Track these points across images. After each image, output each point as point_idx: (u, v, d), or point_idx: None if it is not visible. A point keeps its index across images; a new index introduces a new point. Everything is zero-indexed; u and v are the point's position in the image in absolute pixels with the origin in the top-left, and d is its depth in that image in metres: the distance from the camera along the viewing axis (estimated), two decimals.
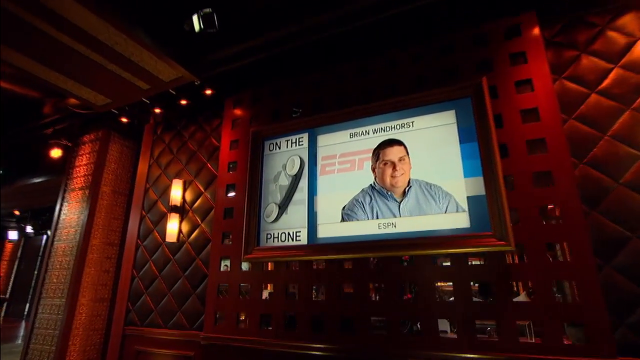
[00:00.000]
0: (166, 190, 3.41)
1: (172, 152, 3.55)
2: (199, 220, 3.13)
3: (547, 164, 1.98)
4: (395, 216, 2.31)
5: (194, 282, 2.96)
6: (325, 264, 2.47)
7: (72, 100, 3.28)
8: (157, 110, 3.53)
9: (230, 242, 2.80)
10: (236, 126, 3.14)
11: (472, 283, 2.08)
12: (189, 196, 3.27)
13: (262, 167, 2.85)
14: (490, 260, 2.01)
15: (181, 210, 3.25)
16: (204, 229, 3.07)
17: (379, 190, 2.40)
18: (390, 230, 2.30)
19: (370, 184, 2.45)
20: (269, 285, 2.85)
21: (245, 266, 2.75)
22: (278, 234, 2.64)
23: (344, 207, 2.48)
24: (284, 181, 2.73)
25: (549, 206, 2.01)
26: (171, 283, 3.07)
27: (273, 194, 2.75)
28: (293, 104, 2.92)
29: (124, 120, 3.62)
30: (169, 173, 3.48)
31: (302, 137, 2.79)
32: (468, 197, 2.15)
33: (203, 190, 3.22)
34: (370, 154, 2.52)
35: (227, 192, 2.94)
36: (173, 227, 3.16)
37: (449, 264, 2.14)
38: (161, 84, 2.97)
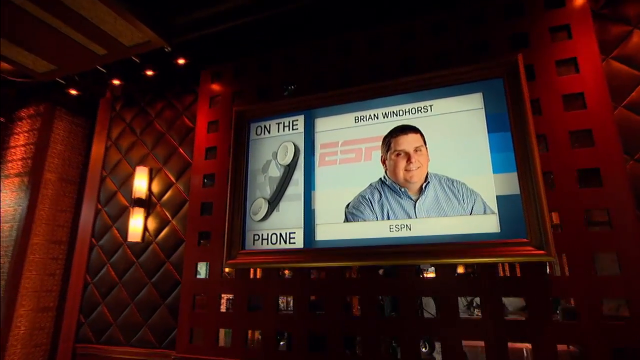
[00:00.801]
0: (128, 179, 3.03)
1: (135, 133, 3.16)
2: (169, 217, 2.79)
3: (594, 159, 1.81)
4: (410, 217, 2.09)
5: (164, 291, 2.64)
6: (325, 272, 2.22)
7: (4, 65, 2.80)
8: (116, 82, 3.11)
9: (209, 244, 2.49)
10: (215, 104, 2.79)
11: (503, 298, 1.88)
12: (156, 187, 2.92)
13: (248, 155, 2.55)
14: (525, 272, 1.81)
15: (147, 204, 2.89)
16: (176, 227, 2.74)
17: (391, 185, 2.16)
18: (404, 233, 2.08)
19: (380, 179, 2.22)
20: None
21: (228, 272, 2.45)
22: (268, 235, 2.36)
23: (347, 205, 2.23)
24: (275, 172, 2.44)
25: (594, 210, 1.82)
26: (135, 291, 2.74)
27: (261, 187, 2.45)
28: (286, 80, 2.62)
29: (73, 92, 3.18)
30: (131, 158, 3.09)
31: (297, 120, 2.49)
32: (498, 197, 1.95)
33: (174, 181, 2.87)
34: (380, 143, 2.27)
35: (204, 184, 2.62)
36: (137, 223, 2.81)
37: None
38: (121, 49, 2.57)
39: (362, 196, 2.23)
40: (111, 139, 3.25)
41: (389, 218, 2.14)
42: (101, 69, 2.84)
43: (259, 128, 2.60)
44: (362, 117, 2.36)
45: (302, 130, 2.47)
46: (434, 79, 2.22)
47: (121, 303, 2.77)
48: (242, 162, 2.53)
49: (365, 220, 2.19)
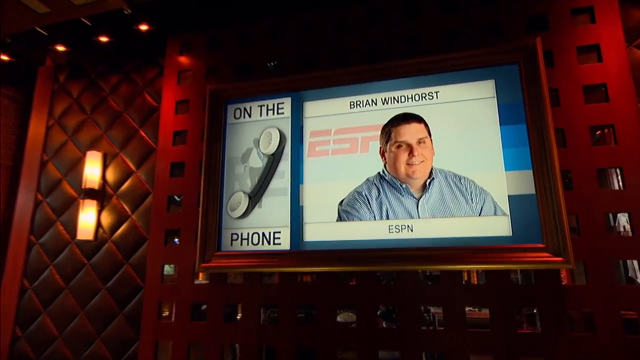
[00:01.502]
0: (76, 165, 2.73)
1: (84, 111, 2.84)
2: (129, 211, 2.54)
3: (616, 158, 1.78)
4: (411, 217, 1.99)
5: (122, 297, 2.41)
6: (315, 277, 2.08)
7: None
8: (60, 48, 2.78)
9: (178, 243, 2.28)
10: (184, 80, 2.55)
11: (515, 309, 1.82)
12: (112, 175, 2.65)
13: (225, 141, 2.34)
14: (538, 281, 1.75)
15: (101, 196, 2.62)
16: (137, 223, 2.50)
17: (390, 181, 2.04)
18: (405, 235, 1.98)
19: (379, 173, 2.10)
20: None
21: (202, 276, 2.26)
22: (248, 234, 2.18)
23: (341, 202, 2.10)
24: (257, 162, 2.25)
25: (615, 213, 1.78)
26: (86, 298, 2.49)
27: (241, 179, 2.26)
28: (270, 56, 2.40)
29: (4, 58, 2.79)
30: (79, 141, 2.78)
31: (283, 103, 2.31)
32: (510, 197, 1.89)
33: (134, 169, 2.61)
34: (379, 132, 2.14)
35: (172, 173, 2.38)
36: (88, 218, 2.54)
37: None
38: (69, 8, 2.27)
39: (357, 192, 2.10)
40: (54, 116, 2.91)
41: (388, 218, 2.03)
42: (41, 30, 2.50)
43: (238, 110, 2.38)
44: (358, 103, 2.21)
45: (289, 114, 2.29)
46: (441, 62, 2.11)
47: (68, 312, 2.51)
48: (217, 149, 2.31)
49: (361, 220, 2.06)
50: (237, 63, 2.46)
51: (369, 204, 2.07)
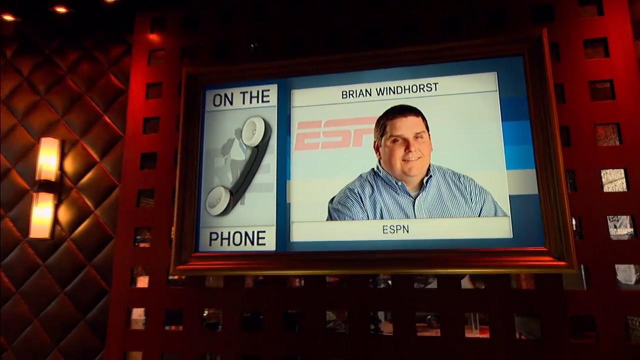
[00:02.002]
0: (28, 153, 2.54)
1: (37, 91, 2.64)
2: (91, 206, 2.38)
3: (620, 159, 1.79)
4: (407, 217, 1.95)
5: (84, 302, 2.27)
6: (303, 281, 2.01)
7: None
8: (8, 18, 2.54)
9: (149, 243, 2.15)
10: (157, 61, 2.40)
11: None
12: (71, 166, 2.47)
13: (203, 131, 2.22)
14: (539, 285, 1.76)
15: (58, 188, 2.44)
16: (101, 220, 2.35)
17: (385, 178, 1.99)
18: (401, 236, 1.94)
19: (373, 169, 2.04)
20: None
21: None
22: (229, 233, 2.09)
23: (332, 200, 2.03)
24: (239, 155, 2.14)
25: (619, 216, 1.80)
26: (40, 304, 2.33)
27: (221, 172, 2.15)
28: (254, 38, 2.29)
29: None
30: (31, 125, 2.58)
31: (269, 90, 2.21)
32: (511, 197, 1.88)
33: (97, 159, 2.44)
34: (373, 125, 2.07)
35: (142, 165, 2.24)
36: (43, 214, 2.36)
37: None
38: None
39: (350, 189, 2.03)
40: None
41: (382, 217, 1.98)
42: None
43: (218, 97, 2.26)
44: (351, 92, 2.13)
45: (275, 103, 2.19)
46: (440, 52, 2.06)
47: (19, 319, 2.33)
48: (195, 139, 2.19)
49: (353, 219, 2.00)
50: (217, 44, 2.33)
51: (362, 202, 2.02)
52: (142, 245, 2.24)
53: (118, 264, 2.18)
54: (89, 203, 2.41)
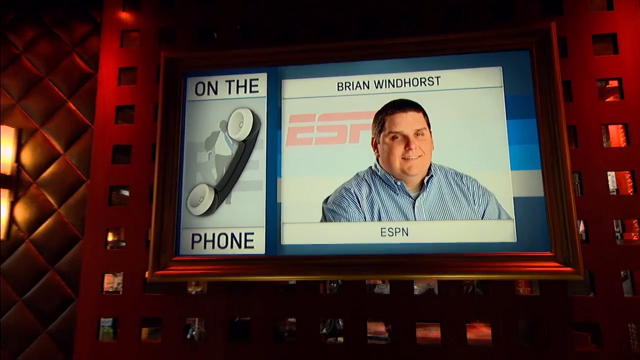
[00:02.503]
0: None
1: None
2: (54, 204, 2.23)
3: (628, 161, 1.80)
4: (407, 219, 1.91)
5: (45, 312, 2.14)
6: (294, 287, 1.95)
7: None
8: None
9: (124, 245, 2.03)
10: (130, 43, 2.26)
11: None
12: (30, 158, 2.31)
13: (184, 122, 2.11)
14: (544, 292, 1.77)
15: (14, 183, 2.28)
16: (65, 219, 2.20)
17: (384, 177, 1.94)
18: (400, 239, 1.91)
19: (370, 167, 1.99)
20: None
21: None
22: (214, 235, 2.00)
23: (326, 200, 1.97)
24: (225, 149, 2.05)
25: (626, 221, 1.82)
26: None
27: (204, 168, 2.05)
28: (241, 21, 2.19)
29: None
30: None
31: (257, 80, 2.12)
32: (515, 199, 1.87)
33: (61, 151, 2.29)
34: (371, 121, 2.01)
35: (115, 159, 2.11)
36: None
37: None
38: None
39: (345, 189, 1.98)
40: None
41: (380, 219, 1.94)
42: None
43: (201, 85, 2.15)
44: (348, 84, 2.07)
45: (265, 94, 2.11)
46: (443, 43, 2.03)
47: None
48: (175, 131, 2.08)
49: (349, 221, 1.96)
50: (200, 27, 2.21)
51: (359, 202, 1.97)
52: (112, 247, 2.10)
53: (87, 268, 2.05)
54: (51, 200, 2.25)
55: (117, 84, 2.20)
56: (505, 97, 1.96)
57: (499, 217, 1.88)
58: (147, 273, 1.93)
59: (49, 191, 2.27)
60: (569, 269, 1.74)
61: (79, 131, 2.30)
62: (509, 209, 1.88)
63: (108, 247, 2.06)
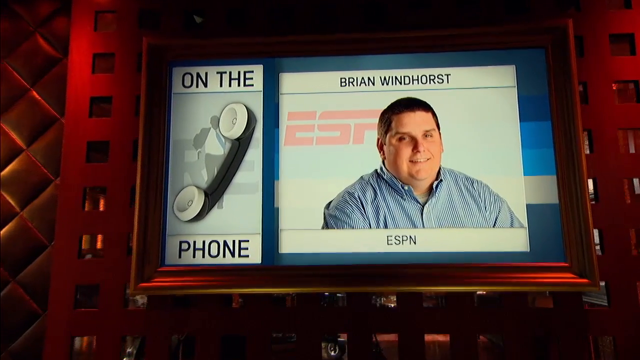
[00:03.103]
0: None
1: None
2: (15, 206, 2.09)
3: None
4: (415, 226, 1.89)
5: (6, 329, 2.00)
6: (294, 299, 1.89)
7: None
8: None
9: (102, 254, 1.92)
10: (106, 26, 2.15)
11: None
12: None
13: (170, 117, 2.00)
14: (558, 304, 1.78)
15: None
16: (29, 224, 2.06)
17: (390, 181, 1.91)
18: (407, 247, 1.88)
19: (376, 170, 1.96)
20: None
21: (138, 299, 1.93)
22: (204, 243, 1.92)
23: (328, 205, 1.93)
24: (216, 148, 1.96)
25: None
26: None
27: (193, 169, 1.95)
28: (234, 6, 2.08)
29: None
30: None
31: (252, 72, 2.04)
32: (528, 206, 1.88)
33: (23, 146, 2.14)
34: (377, 120, 1.98)
35: (89, 157, 1.98)
36: None
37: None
38: None
39: (349, 193, 1.93)
40: None
41: (386, 226, 1.90)
42: None
43: (189, 76, 2.04)
44: (351, 80, 2.02)
45: (260, 87, 2.02)
46: (454, 38, 2.01)
47: None
48: (160, 127, 1.97)
49: (353, 228, 1.91)
50: (187, 10, 2.09)
51: (363, 208, 1.92)
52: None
53: (57, 280, 1.92)
54: (11, 202, 2.09)
55: (91, 72, 2.06)
56: (518, 97, 1.94)
57: (511, 225, 1.87)
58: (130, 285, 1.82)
59: (9, 191, 2.11)
60: (585, 280, 1.75)
61: (45, 124, 2.14)
62: (522, 216, 1.87)
63: (87, 256, 1.92)
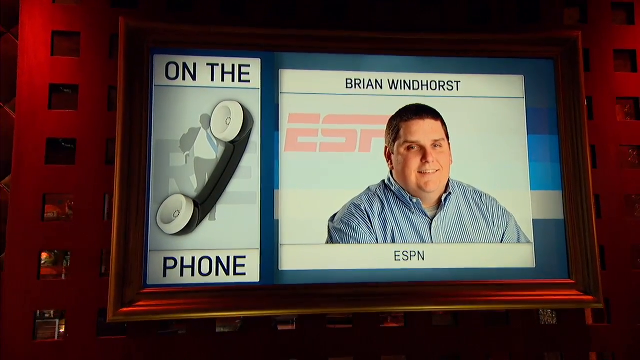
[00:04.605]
0: None
1: None
2: None
3: None
4: (423, 241, 1.97)
5: None
6: (295, 322, 1.91)
7: None
8: None
9: (65, 274, 1.79)
10: None
11: None
12: None
13: (152, 113, 1.89)
14: (562, 321, 1.95)
15: None
16: None
17: (398, 193, 1.98)
18: (415, 264, 1.97)
19: (383, 181, 2.01)
20: None
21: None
22: (194, 259, 1.87)
23: (332, 218, 1.96)
24: (207, 151, 1.91)
25: None
26: None
27: (180, 175, 1.89)
28: None
29: None
30: None
31: (249, 66, 2.00)
32: (534, 221, 2.03)
33: None
34: (384, 127, 2.03)
35: (49, 157, 1.84)
36: None
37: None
38: None
39: (355, 205, 1.97)
40: None
41: (394, 241, 1.97)
42: None
43: (173, 67, 1.95)
44: (357, 82, 2.05)
45: (258, 84, 1.99)
46: (466, 44, 2.10)
47: None
48: (141, 124, 1.87)
49: (359, 243, 1.95)
50: None
51: (370, 221, 1.97)
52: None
53: (9, 305, 1.76)
54: None
55: (49, 54, 1.89)
56: (526, 109, 2.08)
57: (518, 241, 2.02)
58: (108, 310, 1.72)
59: None
60: (590, 297, 1.94)
61: None
62: (528, 232, 2.02)
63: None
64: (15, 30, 1.95)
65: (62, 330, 1.97)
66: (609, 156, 2.07)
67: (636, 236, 2.04)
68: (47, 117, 1.86)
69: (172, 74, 1.93)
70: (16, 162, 1.82)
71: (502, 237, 2.01)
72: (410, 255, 1.96)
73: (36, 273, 1.79)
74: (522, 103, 2.09)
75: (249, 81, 1.96)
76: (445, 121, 2.04)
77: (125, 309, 1.74)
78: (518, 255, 2.01)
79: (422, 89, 2.06)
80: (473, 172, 2.04)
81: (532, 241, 2.01)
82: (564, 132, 2.04)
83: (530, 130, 2.07)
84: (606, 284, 1.97)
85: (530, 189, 2.04)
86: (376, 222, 1.96)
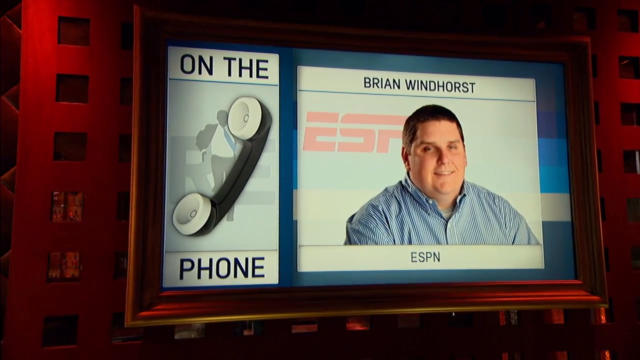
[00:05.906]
0: None
1: None
2: None
3: None
4: (439, 242, 2.13)
5: None
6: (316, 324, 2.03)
7: None
8: None
9: (79, 278, 1.84)
10: None
11: None
12: None
13: (166, 109, 1.94)
14: (570, 320, 2.16)
15: None
16: None
17: (415, 194, 2.12)
18: (431, 265, 2.12)
19: (400, 182, 2.14)
20: None
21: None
22: (211, 261, 1.93)
23: (351, 219, 2.07)
24: (225, 149, 1.98)
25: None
26: None
27: (197, 173, 1.95)
28: None
29: None
30: None
31: (267, 62, 2.08)
32: (544, 223, 2.22)
33: None
34: (402, 127, 2.17)
35: (58, 154, 1.87)
36: None
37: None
38: None
39: (373, 206, 2.10)
40: None
41: (410, 242, 2.11)
42: None
43: (189, 60, 2.00)
44: (376, 81, 2.17)
45: (276, 81, 2.06)
46: (481, 46, 2.23)
47: None
48: (157, 120, 1.91)
49: (377, 244, 2.08)
50: None
51: (388, 223, 2.10)
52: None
53: (16, 310, 1.78)
54: None
55: (56, 41, 1.90)
56: (537, 112, 2.27)
57: (528, 243, 2.20)
58: (126, 315, 1.77)
59: None
60: (596, 297, 2.15)
61: None
62: (538, 233, 2.22)
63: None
64: (11, 13, 1.94)
65: None
66: (613, 161, 2.29)
67: (636, 237, 2.27)
68: (55, 109, 1.87)
69: (188, 67, 1.98)
70: (21, 158, 1.82)
71: (514, 239, 2.18)
72: (427, 257, 2.10)
73: (45, 276, 1.80)
74: (533, 106, 2.27)
75: (267, 77, 2.04)
76: (460, 123, 2.19)
77: (144, 313, 1.78)
78: (528, 256, 2.19)
79: (438, 90, 2.20)
80: (486, 174, 2.20)
81: (542, 243, 2.20)
82: (573, 135, 2.23)
83: (541, 132, 2.25)
84: (610, 285, 2.18)
85: (540, 192, 2.22)
86: (393, 224, 2.09)
